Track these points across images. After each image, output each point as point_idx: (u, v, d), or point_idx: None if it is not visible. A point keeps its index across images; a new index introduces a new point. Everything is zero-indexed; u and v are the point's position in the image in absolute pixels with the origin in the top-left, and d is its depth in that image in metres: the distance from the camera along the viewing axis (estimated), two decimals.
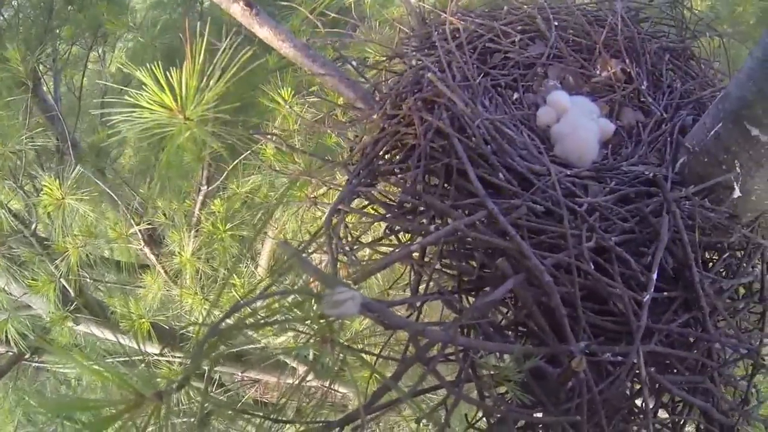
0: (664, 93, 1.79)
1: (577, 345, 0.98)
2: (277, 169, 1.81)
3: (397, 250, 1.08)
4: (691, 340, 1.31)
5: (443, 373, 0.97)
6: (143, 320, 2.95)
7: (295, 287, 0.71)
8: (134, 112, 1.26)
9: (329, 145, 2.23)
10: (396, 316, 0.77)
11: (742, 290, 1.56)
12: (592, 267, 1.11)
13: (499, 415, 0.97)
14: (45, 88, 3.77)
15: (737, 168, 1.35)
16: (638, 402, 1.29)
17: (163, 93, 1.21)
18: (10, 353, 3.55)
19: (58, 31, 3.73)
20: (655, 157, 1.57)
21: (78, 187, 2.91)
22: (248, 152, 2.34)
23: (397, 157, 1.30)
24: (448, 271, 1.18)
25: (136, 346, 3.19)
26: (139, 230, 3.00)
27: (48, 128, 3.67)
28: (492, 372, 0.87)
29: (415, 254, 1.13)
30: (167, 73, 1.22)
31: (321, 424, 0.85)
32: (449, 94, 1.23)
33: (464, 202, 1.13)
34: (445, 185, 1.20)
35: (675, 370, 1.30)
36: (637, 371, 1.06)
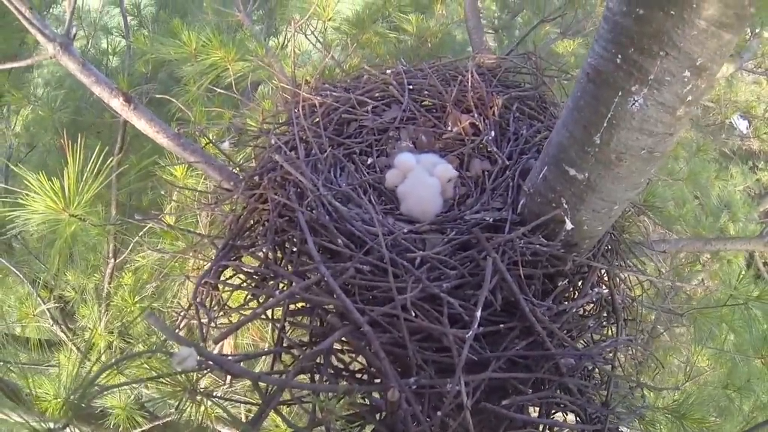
0: (510, 140, 1.99)
1: (406, 380, 1.15)
2: (161, 250, 1.95)
3: (247, 314, 1.23)
4: (536, 362, 1.46)
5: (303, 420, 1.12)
6: (59, 400, 2.94)
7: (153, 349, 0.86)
8: (26, 210, 1.39)
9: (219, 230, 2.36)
10: (235, 366, 0.93)
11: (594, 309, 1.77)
12: (421, 312, 1.29)
13: None
14: None
15: (564, 204, 1.53)
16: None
17: (47, 197, 1.36)
18: None
19: None
20: (498, 202, 1.75)
21: None
22: (149, 225, 2.45)
23: (257, 231, 1.48)
24: (301, 327, 1.34)
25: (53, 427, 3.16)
26: (48, 309, 3.02)
27: None
28: (325, 408, 1.04)
29: (277, 314, 1.29)
30: (51, 181, 1.36)
31: None
32: (295, 173, 1.41)
33: (307, 268, 1.31)
34: (296, 254, 1.38)
35: (519, 392, 1.45)
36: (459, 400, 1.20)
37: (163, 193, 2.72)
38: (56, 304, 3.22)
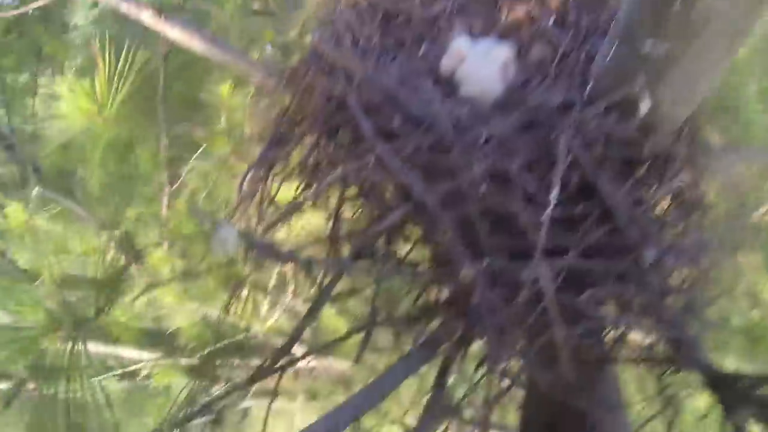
0: (570, 27, 1.83)
1: (476, 263, 1.05)
2: (211, 156, 1.89)
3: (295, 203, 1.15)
4: (617, 252, 1.36)
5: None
6: (130, 326, 3.02)
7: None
8: (58, 120, 1.33)
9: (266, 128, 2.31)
10: (282, 250, 0.85)
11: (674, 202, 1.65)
12: (490, 191, 1.18)
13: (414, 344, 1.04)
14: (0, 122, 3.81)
15: (640, 82, 1.39)
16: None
17: (80, 99, 1.29)
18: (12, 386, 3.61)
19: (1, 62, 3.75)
20: (563, 86, 1.62)
21: (44, 205, 2.96)
22: (202, 148, 2.42)
23: (305, 122, 1.38)
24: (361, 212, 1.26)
25: (129, 355, 3.28)
26: (112, 242, 3.06)
27: (8, 160, 3.70)
28: (391, 296, 0.95)
29: (331, 204, 1.21)
30: (80, 82, 1.29)
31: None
32: (344, 59, 1.30)
33: (359, 149, 1.21)
34: (348, 141, 1.28)
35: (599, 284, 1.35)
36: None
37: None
38: (120, 237, 3.25)
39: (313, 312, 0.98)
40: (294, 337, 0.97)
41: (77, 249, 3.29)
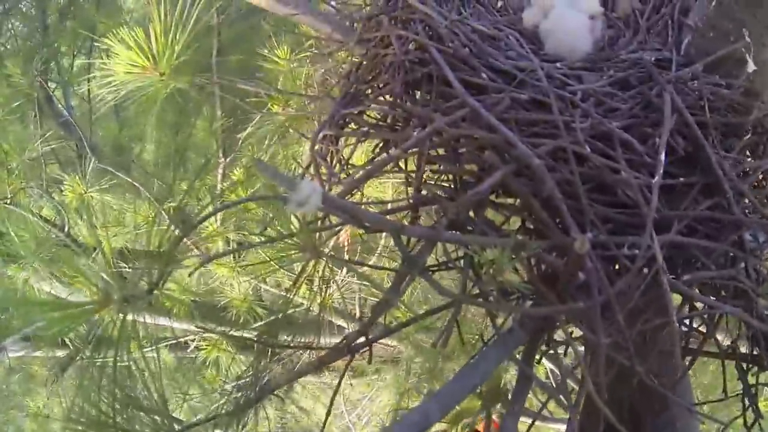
0: None
1: (583, 234, 0.92)
2: (273, 113, 1.79)
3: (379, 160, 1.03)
4: (718, 231, 1.21)
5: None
6: (184, 298, 3.00)
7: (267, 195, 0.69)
8: (111, 77, 1.24)
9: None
10: (368, 213, 0.74)
11: None
12: (592, 152, 1.05)
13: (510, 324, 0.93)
14: (58, 103, 3.83)
15: (746, 37, 1.25)
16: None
17: (132, 52, 1.19)
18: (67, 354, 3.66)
19: (56, 45, 3.76)
20: (657, 42, 1.49)
21: (100, 178, 2.96)
22: (258, 117, 2.33)
23: (380, 78, 1.26)
24: (446, 178, 1.14)
25: (181, 326, 3.27)
26: (165, 211, 3.03)
27: (67, 139, 3.73)
28: (490, 269, 0.83)
29: (409, 168, 1.09)
30: (133, 33, 1.19)
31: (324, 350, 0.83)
32: (422, 7, 1.17)
33: (447, 105, 1.08)
34: (431, 97, 1.16)
35: (701, 266, 1.21)
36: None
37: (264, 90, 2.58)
38: (174, 208, 3.23)
39: (398, 286, 0.87)
40: (375, 316, 0.86)
41: (132, 222, 3.29)
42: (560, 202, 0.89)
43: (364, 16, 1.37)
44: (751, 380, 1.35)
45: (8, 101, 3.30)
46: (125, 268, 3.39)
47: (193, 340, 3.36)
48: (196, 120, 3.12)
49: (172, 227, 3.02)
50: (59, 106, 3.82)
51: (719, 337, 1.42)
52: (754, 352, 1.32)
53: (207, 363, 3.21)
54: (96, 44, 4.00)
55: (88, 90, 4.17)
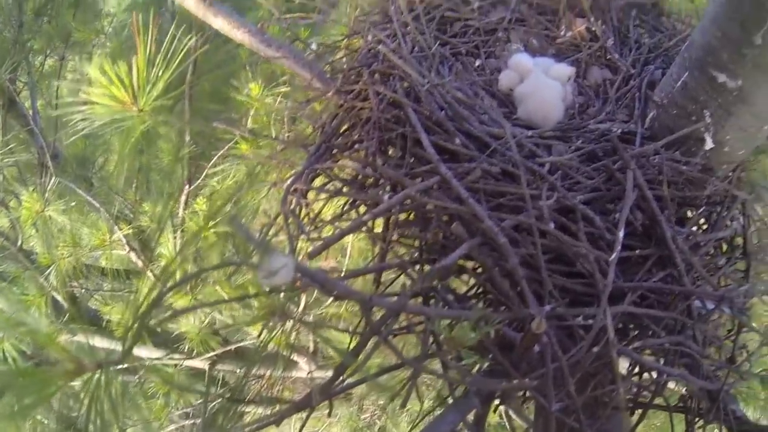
0: (631, 49, 1.76)
1: (541, 308, 0.95)
2: (243, 156, 1.79)
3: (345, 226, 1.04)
4: (669, 300, 1.28)
5: (410, 352, 0.95)
6: (136, 325, 2.93)
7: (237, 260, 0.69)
8: (90, 108, 1.23)
9: (306, 132, 2.21)
10: (339, 284, 0.75)
11: (724, 247, 1.55)
12: (555, 227, 1.08)
13: (465, 390, 0.94)
14: (25, 104, 3.74)
15: (707, 118, 1.32)
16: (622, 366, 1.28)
17: (113, 86, 1.19)
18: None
19: (29, 44, 3.69)
20: (623, 114, 1.54)
21: (60, 197, 2.90)
22: (225, 148, 2.32)
23: (355, 132, 1.28)
24: (411, 243, 1.15)
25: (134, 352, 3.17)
26: (123, 236, 2.98)
27: (29, 143, 3.65)
28: (449, 338, 0.84)
29: (377, 227, 1.11)
30: (116, 66, 1.19)
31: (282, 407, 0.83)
32: (401, 65, 1.20)
33: (420, 170, 1.10)
34: (403, 156, 1.18)
35: (652, 333, 1.27)
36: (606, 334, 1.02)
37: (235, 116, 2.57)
38: (133, 231, 3.18)
39: (360, 349, 0.87)
40: (336, 375, 0.86)
41: (89, 241, 3.22)
42: (521, 280, 0.91)
43: (345, 67, 1.39)
44: None
45: None
46: (77, 287, 3.31)
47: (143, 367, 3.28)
48: (164, 143, 3.09)
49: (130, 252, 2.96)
50: (25, 107, 3.73)
51: (672, 385, 1.48)
52: (700, 407, 1.37)
53: (156, 394, 3.13)
54: (67, 52, 3.96)
55: (57, 95, 4.11)
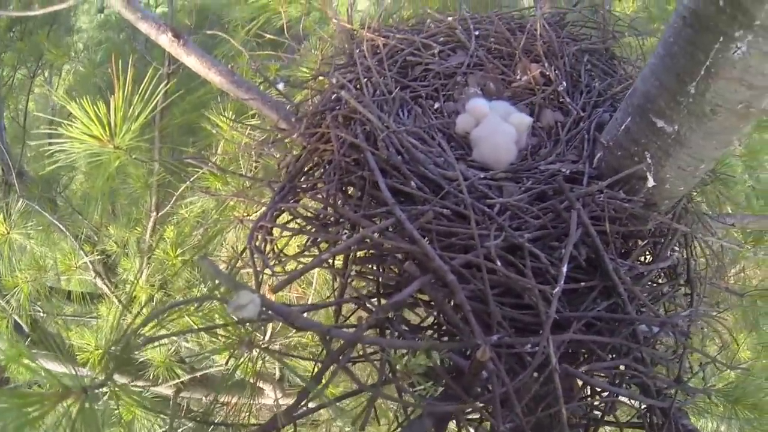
0: (582, 92, 1.86)
1: (488, 338, 1.03)
2: (211, 192, 1.85)
3: (307, 262, 1.12)
4: (615, 326, 1.37)
5: (372, 377, 1.02)
6: (99, 351, 2.93)
7: (204, 296, 0.76)
8: (68, 143, 1.28)
9: (273, 167, 2.26)
10: (302, 318, 0.82)
11: (669, 275, 1.64)
12: (502, 264, 1.17)
13: (419, 413, 1.01)
14: None
15: (648, 159, 1.41)
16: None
17: (93, 124, 1.24)
18: None
19: None
20: (573, 155, 1.63)
21: (25, 218, 2.89)
22: (195, 177, 2.36)
23: (318, 172, 1.35)
24: (369, 277, 1.22)
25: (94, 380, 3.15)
26: (90, 261, 2.98)
27: None
28: (402, 367, 0.92)
29: (337, 263, 1.18)
30: (95, 106, 1.25)
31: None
32: (362, 110, 1.28)
33: (377, 211, 1.18)
34: (362, 197, 1.25)
35: (597, 357, 1.35)
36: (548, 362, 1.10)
37: (204, 151, 2.61)
38: (99, 257, 3.18)
39: (320, 377, 0.94)
40: (299, 399, 0.92)
41: (55, 265, 3.21)
42: (468, 314, 0.99)
43: (309, 109, 1.46)
44: None
45: None
46: (39, 312, 3.28)
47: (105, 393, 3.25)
48: (133, 168, 3.11)
49: (95, 276, 2.96)
50: None
51: (624, 400, 1.55)
52: (652, 421, 1.43)
53: (119, 419, 3.11)
54: (42, 65, 3.94)
55: (26, 109, 4.08)
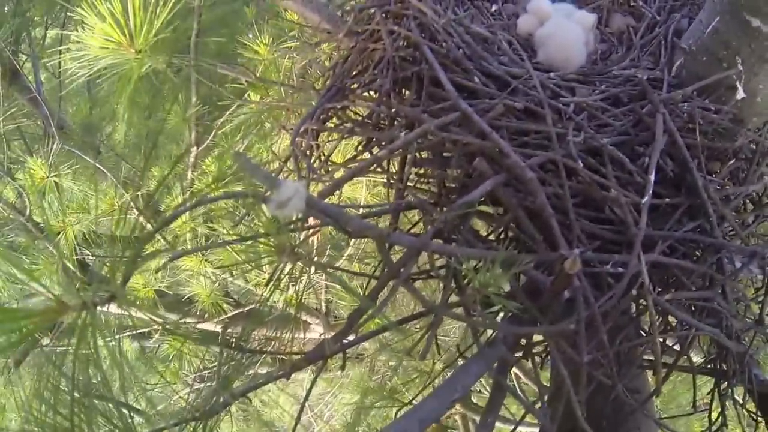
0: None
1: (571, 252, 0.89)
2: (252, 101, 1.72)
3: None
4: (698, 253, 1.24)
5: (429, 299, 0.90)
6: (147, 289, 2.93)
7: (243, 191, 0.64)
8: (84, 53, 1.17)
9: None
10: (355, 219, 0.69)
11: (750, 206, 1.50)
12: (584, 168, 1.03)
13: (491, 338, 0.89)
14: (27, 77, 3.69)
15: (739, 65, 1.25)
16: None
17: (107, 25, 1.12)
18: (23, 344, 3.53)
19: (28, 14, 3.63)
20: (649, 61, 1.47)
21: (66, 163, 2.87)
22: (235, 105, 2.27)
23: (368, 73, 1.22)
24: (429, 183, 1.10)
25: (144, 317, 3.17)
26: (131, 199, 2.95)
27: (33, 116, 3.61)
28: (474, 281, 0.79)
29: (393, 169, 1.05)
30: (110, 5, 1.12)
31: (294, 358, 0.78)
32: (416, 3, 1.13)
33: (438, 107, 1.04)
34: (419, 97, 1.12)
35: (681, 286, 1.22)
36: (640, 282, 0.97)
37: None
38: (141, 193, 3.15)
39: (377, 294, 0.82)
40: (352, 323, 0.81)
41: (97, 207, 3.20)
42: (551, 218, 0.85)
43: (355, 7, 1.32)
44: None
45: None
46: (88, 255, 3.28)
47: (156, 331, 3.28)
48: (171, 105, 3.04)
49: (141, 219, 2.94)
50: (28, 80, 3.69)
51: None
52: (724, 368, 1.33)
53: (170, 356, 3.14)
54: (70, 15, 3.89)
55: (59, 64, 4.05)
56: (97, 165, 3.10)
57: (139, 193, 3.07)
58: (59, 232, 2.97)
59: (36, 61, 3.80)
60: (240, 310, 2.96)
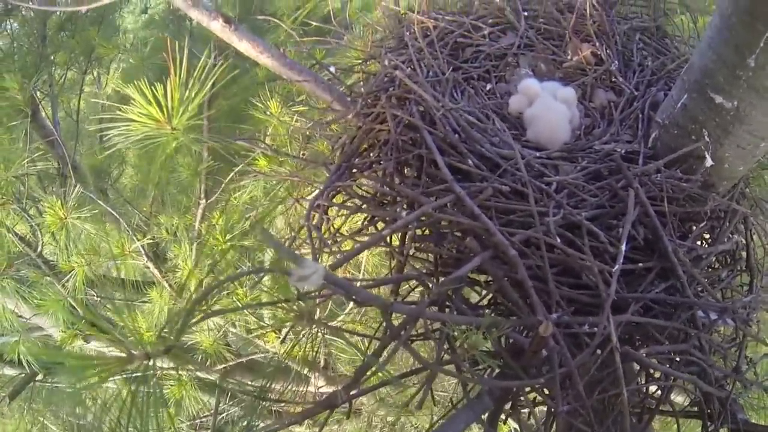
0: (635, 71, 1.82)
1: (548, 315, 1.02)
2: (264, 172, 1.87)
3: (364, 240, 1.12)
4: (672, 311, 1.34)
5: (425, 357, 1.02)
6: (150, 334, 3.00)
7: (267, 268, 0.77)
8: (127, 126, 1.31)
9: (322, 150, 2.29)
10: (363, 291, 0.82)
11: (727, 260, 1.60)
12: (561, 242, 1.16)
13: (478, 391, 1.01)
14: (44, 114, 3.82)
15: (706, 137, 1.38)
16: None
17: (150, 106, 1.27)
18: (23, 374, 3.60)
19: (52, 57, 3.78)
20: (627, 135, 1.60)
21: (79, 207, 2.97)
22: (243, 164, 2.40)
23: (373, 152, 1.36)
24: (426, 255, 1.22)
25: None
26: (142, 246, 3.05)
27: (49, 153, 3.73)
28: (464, 343, 0.92)
29: (394, 242, 1.18)
30: (153, 88, 1.27)
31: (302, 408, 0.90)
32: (417, 89, 1.28)
33: (435, 189, 1.18)
34: (419, 176, 1.25)
35: (657, 341, 1.32)
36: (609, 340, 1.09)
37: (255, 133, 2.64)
38: (149, 242, 3.24)
39: (380, 352, 0.95)
40: (356, 379, 0.93)
41: (107, 250, 3.29)
42: (530, 289, 0.99)
43: (362, 91, 1.46)
44: None
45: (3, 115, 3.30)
46: (94, 296, 3.37)
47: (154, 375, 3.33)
48: (184, 158, 3.17)
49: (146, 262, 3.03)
50: (46, 120, 3.82)
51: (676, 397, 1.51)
52: (709, 411, 1.40)
53: (168, 401, 3.18)
54: (92, 62, 4.04)
55: (78, 106, 4.19)
56: (109, 209, 3.21)
57: (146, 241, 3.17)
58: (70, 271, 3.06)
59: (55, 102, 3.93)
60: (240, 360, 3.03)
